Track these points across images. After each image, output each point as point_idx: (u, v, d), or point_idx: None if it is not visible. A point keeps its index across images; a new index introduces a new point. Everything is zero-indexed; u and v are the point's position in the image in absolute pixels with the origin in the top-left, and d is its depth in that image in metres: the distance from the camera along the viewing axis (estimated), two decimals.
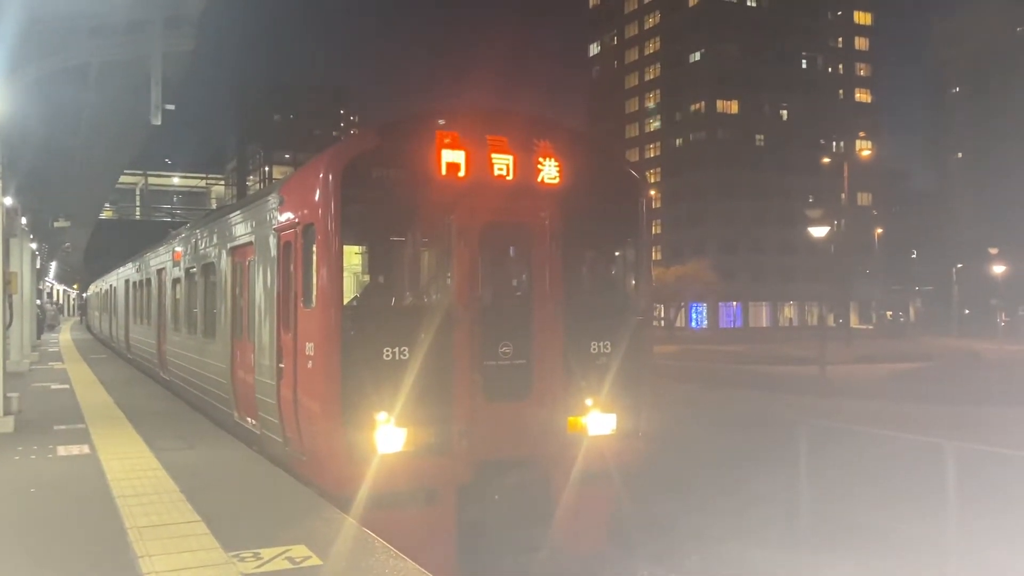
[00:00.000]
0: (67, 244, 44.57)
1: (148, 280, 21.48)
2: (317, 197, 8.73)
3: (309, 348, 8.79)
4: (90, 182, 25.73)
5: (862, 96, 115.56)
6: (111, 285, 33.77)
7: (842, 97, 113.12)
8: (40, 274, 41.92)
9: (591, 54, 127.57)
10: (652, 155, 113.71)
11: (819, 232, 36.00)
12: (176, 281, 17.19)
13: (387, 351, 8.63)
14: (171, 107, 12.98)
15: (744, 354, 48.23)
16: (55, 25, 11.62)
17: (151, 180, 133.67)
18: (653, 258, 12.36)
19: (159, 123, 12.90)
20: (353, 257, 9.65)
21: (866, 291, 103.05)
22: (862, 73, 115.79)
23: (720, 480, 14.20)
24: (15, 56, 10.78)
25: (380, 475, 8.38)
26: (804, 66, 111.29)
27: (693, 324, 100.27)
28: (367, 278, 9.84)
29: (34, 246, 30.09)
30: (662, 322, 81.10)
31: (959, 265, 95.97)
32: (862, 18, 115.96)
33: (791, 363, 40.07)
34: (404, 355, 8.67)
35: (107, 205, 71.80)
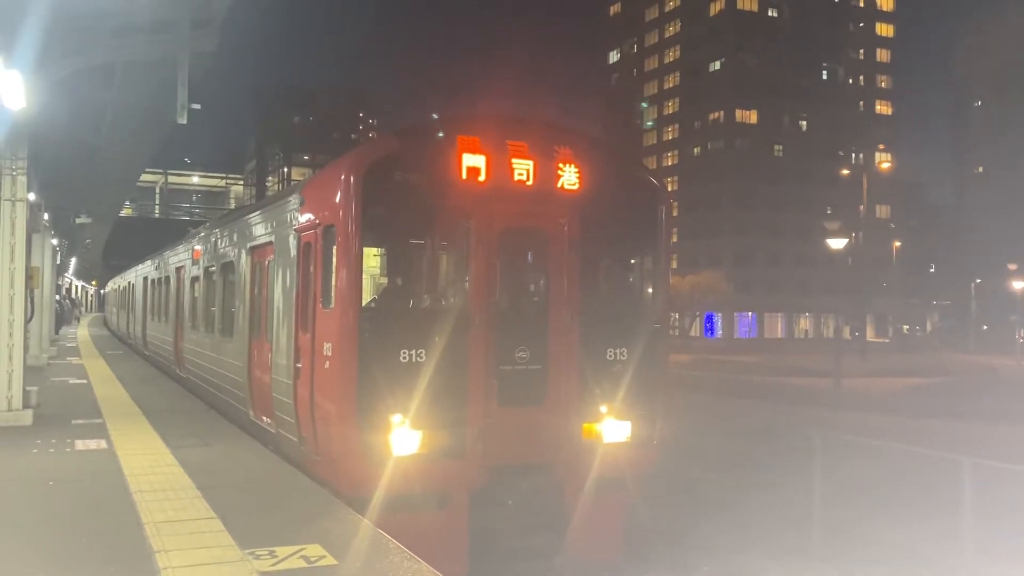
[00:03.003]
0: (88, 240, 44.95)
1: (167, 278, 21.62)
2: (338, 199, 8.78)
3: (326, 348, 8.82)
4: (112, 179, 25.93)
5: (882, 108, 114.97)
6: (129, 282, 33.99)
7: (862, 109, 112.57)
8: (60, 270, 42.26)
9: (610, 62, 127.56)
10: (670, 163, 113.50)
11: (837, 244, 35.75)
12: (195, 279, 17.29)
13: (404, 353, 8.65)
14: (197, 107, 13.09)
15: (759, 365, 48.05)
16: (81, 24, 11.75)
17: (171, 179, 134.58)
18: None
19: (185, 122, 13.00)
20: (372, 259, 9.71)
21: (883, 304, 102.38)
22: (883, 85, 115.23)
23: (732, 490, 14.17)
24: (41, 54, 10.89)
25: (394, 477, 8.40)
26: (824, 77, 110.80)
27: (708, 334, 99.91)
28: (385, 280, 9.89)
29: (55, 242, 30.36)
30: (677, 331, 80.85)
31: (978, 280, 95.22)
32: (884, 30, 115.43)
33: (806, 375, 39.90)
34: (420, 358, 8.70)
35: (127, 203, 72.30)
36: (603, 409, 9.57)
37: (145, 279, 27.03)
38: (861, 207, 74.69)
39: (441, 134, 9.28)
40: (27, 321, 13.72)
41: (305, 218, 9.73)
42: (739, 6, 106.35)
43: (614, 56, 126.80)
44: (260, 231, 12.11)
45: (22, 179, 12.93)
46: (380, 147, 9.45)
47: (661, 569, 10.56)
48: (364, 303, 8.84)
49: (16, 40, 10.26)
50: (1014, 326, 78.69)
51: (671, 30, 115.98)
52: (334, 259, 8.83)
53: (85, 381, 19.22)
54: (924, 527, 11.52)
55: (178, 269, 19.60)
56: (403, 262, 9.93)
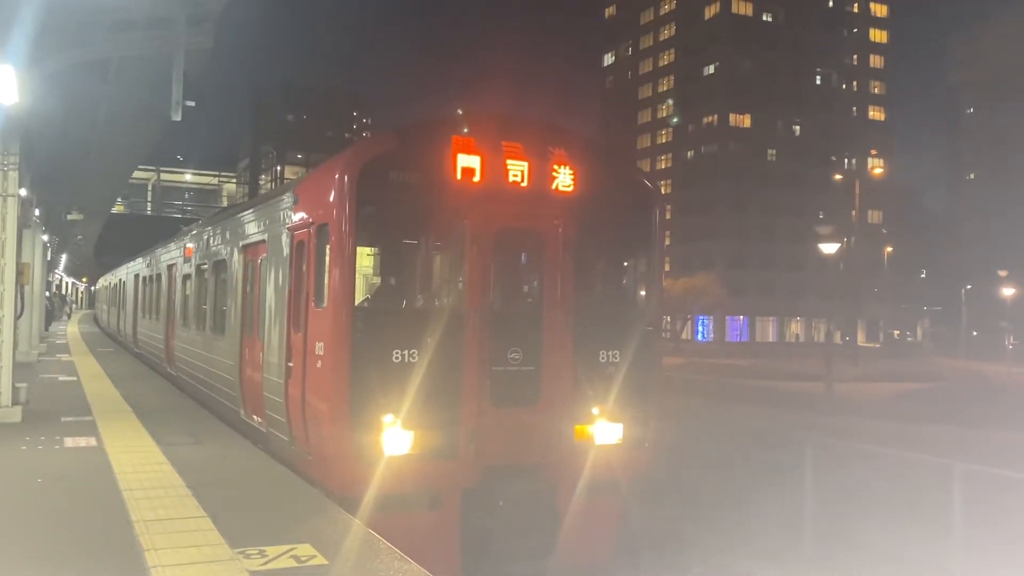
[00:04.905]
0: (79, 237, 44.75)
1: (158, 275, 21.55)
2: (332, 197, 8.76)
3: (318, 348, 8.80)
4: (104, 176, 25.83)
5: (875, 114, 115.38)
6: (120, 279, 33.86)
7: (855, 114, 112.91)
8: (50, 266, 42.06)
9: (605, 64, 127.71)
10: (663, 167, 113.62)
11: (829, 249, 35.88)
12: (186, 277, 17.23)
13: (396, 353, 8.64)
14: (191, 103, 13.04)
15: (750, 368, 48.11)
16: (77, 18, 11.70)
17: (164, 176, 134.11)
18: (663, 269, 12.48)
19: (179, 119, 12.96)
20: (365, 258, 9.69)
21: (874, 309, 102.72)
22: (876, 91, 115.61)
23: (724, 492, 14.18)
24: (35, 48, 10.83)
25: (386, 477, 8.38)
26: (818, 82, 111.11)
27: (699, 337, 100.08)
28: (379, 280, 9.86)
29: (46, 238, 30.21)
30: (668, 334, 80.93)
31: (968, 286, 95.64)
32: (878, 36, 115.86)
33: (797, 379, 39.98)
34: (413, 358, 8.68)
35: (119, 199, 72.03)
36: (595, 411, 9.58)
37: (136, 276, 26.93)
38: (853, 212, 75.01)
39: (436, 134, 9.26)
40: (17, 317, 13.65)
41: (298, 217, 9.71)
42: (734, 10, 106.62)
43: (609, 59, 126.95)
44: (253, 229, 12.07)
45: (14, 174, 12.86)
46: (374, 146, 9.43)
47: (652, 570, 10.55)
48: (357, 302, 8.81)
49: (10, 34, 10.20)
50: (1004, 332, 79.07)
51: (666, 33, 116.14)
52: (327, 258, 8.80)
53: (75, 378, 19.12)
54: (915, 531, 11.55)
55: (170, 267, 19.53)
56: (396, 262, 9.91)
